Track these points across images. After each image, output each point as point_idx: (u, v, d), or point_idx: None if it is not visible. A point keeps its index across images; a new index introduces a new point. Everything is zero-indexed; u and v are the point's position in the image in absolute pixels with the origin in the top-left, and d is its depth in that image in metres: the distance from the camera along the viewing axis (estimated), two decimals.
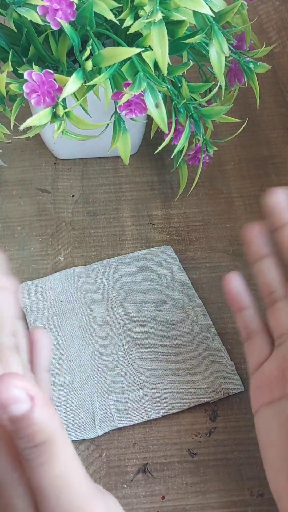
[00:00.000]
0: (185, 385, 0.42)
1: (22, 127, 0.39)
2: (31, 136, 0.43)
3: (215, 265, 0.50)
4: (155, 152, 0.46)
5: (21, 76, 0.43)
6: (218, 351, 0.44)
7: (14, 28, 0.41)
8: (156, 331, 0.45)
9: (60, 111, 0.40)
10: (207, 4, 0.39)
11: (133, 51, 0.38)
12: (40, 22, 0.38)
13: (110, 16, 0.38)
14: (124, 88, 0.39)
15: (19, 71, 0.43)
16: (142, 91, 0.39)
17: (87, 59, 0.39)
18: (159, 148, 0.45)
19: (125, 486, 0.39)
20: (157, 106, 0.40)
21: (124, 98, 0.39)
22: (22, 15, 0.38)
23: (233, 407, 0.42)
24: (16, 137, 0.44)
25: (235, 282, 0.38)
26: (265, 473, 0.39)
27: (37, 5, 0.37)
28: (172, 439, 0.41)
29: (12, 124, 0.43)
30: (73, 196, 0.55)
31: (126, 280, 0.48)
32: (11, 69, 0.41)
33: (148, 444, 0.41)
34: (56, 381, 0.43)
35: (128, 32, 0.39)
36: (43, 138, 0.55)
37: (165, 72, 0.39)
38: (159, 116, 0.41)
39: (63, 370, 0.43)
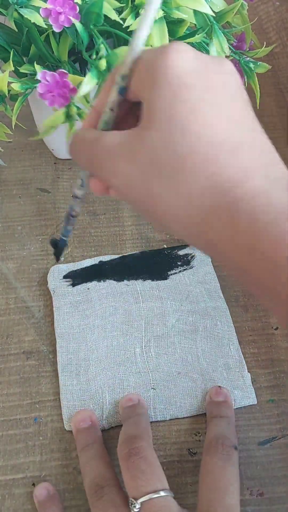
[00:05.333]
0: (197, 391, 0.42)
1: (41, 128, 0.40)
2: (41, 138, 0.43)
3: (215, 264, 0.50)
4: None
5: (22, 75, 0.43)
6: (236, 361, 0.44)
7: (15, 27, 0.41)
8: (177, 332, 0.45)
9: (73, 111, 0.40)
10: (207, 4, 0.39)
11: None
12: (44, 25, 0.38)
13: (114, 16, 0.38)
14: None
15: (20, 71, 0.43)
16: None
17: (99, 58, 0.39)
18: None
19: None
20: None
21: None
22: (25, 16, 0.38)
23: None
24: (30, 139, 0.44)
25: None
26: (265, 472, 0.39)
27: (40, 7, 0.37)
28: (171, 439, 0.41)
29: (13, 124, 0.43)
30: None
31: None
32: (12, 68, 0.41)
33: None
34: (71, 369, 0.43)
35: (129, 30, 0.39)
36: (44, 138, 0.55)
37: None
38: None
39: (80, 359, 0.43)
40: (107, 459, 0.38)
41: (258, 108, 0.53)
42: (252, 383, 0.43)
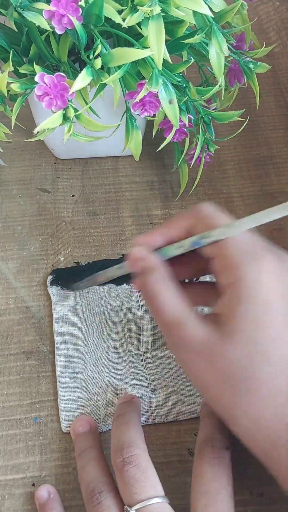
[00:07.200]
0: (195, 393, 0.42)
1: (36, 130, 0.40)
2: (41, 139, 0.43)
3: None
4: (157, 150, 0.46)
5: (21, 75, 0.43)
6: None
7: (14, 28, 0.41)
8: None
9: (71, 113, 0.40)
10: (206, 4, 0.39)
11: (143, 53, 0.38)
12: (48, 28, 0.38)
13: (118, 20, 0.38)
14: (137, 88, 0.40)
15: (19, 71, 0.43)
16: (156, 91, 0.39)
17: (96, 57, 0.39)
18: (162, 145, 0.45)
19: None
20: (170, 102, 0.41)
21: (141, 94, 0.39)
22: (29, 20, 0.38)
23: None
24: (27, 140, 0.44)
25: None
26: (265, 472, 0.39)
27: (43, 9, 0.37)
28: (171, 439, 0.41)
29: (13, 124, 0.43)
30: (73, 195, 0.55)
31: None
32: (12, 68, 0.41)
33: (147, 443, 0.41)
34: (69, 371, 0.43)
35: (125, 27, 0.38)
36: (43, 138, 0.55)
37: (159, 66, 0.39)
38: (172, 112, 0.41)
39: (78, 361, 0.44)
40: (105, 463, 0.37)
41: (258, 108, 0.53)
42: None
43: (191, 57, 0.46)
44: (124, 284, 0.48)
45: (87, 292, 0.47)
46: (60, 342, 0.45)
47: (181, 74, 0.44)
